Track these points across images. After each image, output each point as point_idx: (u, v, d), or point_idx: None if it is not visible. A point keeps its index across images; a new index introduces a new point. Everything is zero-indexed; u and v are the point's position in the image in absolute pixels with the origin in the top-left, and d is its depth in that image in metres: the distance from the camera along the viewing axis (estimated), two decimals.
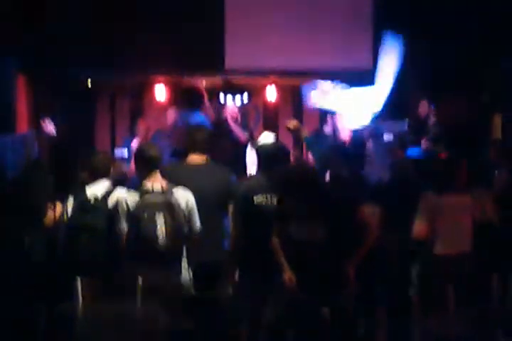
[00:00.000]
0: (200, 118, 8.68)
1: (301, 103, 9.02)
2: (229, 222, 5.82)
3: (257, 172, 6.04)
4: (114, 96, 10.59)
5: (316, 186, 5.52)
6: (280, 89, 10.21)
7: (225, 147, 8.05)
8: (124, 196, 5.32)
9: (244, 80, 10.00)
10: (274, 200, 5.60)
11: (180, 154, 6.10)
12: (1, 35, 8.38)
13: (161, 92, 10.10)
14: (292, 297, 5.36)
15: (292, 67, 9.46)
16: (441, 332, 6.01)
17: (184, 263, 5.31)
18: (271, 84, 10.11)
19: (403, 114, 8.64)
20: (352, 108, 7.93)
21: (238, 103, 9.81)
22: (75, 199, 5.57)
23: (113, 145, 10.02)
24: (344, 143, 7.81)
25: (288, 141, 9.18)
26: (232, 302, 5.83)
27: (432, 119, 8.37)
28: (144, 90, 10.37)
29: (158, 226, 5.13)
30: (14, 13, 8.68)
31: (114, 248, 5.35)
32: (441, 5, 8.93)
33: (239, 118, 8.73)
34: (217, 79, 9.92)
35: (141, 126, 8.87)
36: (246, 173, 7.76)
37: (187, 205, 5.29)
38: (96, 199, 5.48)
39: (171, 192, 5.23)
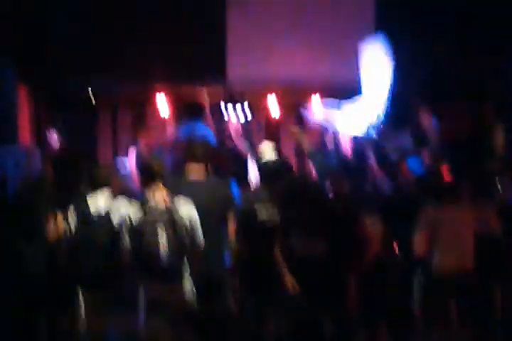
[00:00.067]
0: (204, 130, 8.65)
1: (303, 115, 9.01)
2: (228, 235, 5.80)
3: (259, 186, 6.03)
4: (115, 108, 10.58)
5: (317, 199, 5.53)
6: (282, 100, 10.20)
7: (227, 160, 8.03)
8: (127, 210, 5.32)
9: (246, 92, 9.99)
10: (276, 214, 5.60)
11: (181, 167, 6.09)
12: (1, 46, 8.39)
13: (162, 104, 10.10)
14: (294, 309, 5.37)
15: (294, 77, 9.46)
16: None
17: (187, 277, 5.29)
18: (272, 96, 10.12)
19: (404, 125, 8.62)
20: (349, 121, 7.91)
21: (240, 113, 9.80)
22: (77, 213, 5.56)
23: (115, 157, 10.00)
24: (346, 156, 7.79)
25: (290, 153, 9.21)
26: (234, 315, 5.82)
27: (433, 130, 8.36)
28: (146, 101, 10.36)
29: (160, 241, 5.12)
30: (15, 24, 8.69)
31: (117, 261, 5.35)
32: (443, 17, 8.93)
33: (240, 130, 8.72)
34: (219, 90, 9.91)
35: (142, 139, 8.85)
36: (249, 186, 7.74)
37: (189, 219, 5.29)
38: (98, 212, 5.47)
39: (174, 207, 5.22)
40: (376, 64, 7.94)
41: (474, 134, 8.78)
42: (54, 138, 7.86)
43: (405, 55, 8.39)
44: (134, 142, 8.98)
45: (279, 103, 10.17)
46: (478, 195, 6.42)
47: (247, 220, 5.66)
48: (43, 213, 5.83)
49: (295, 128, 7.37)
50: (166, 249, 5.14)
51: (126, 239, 5.28)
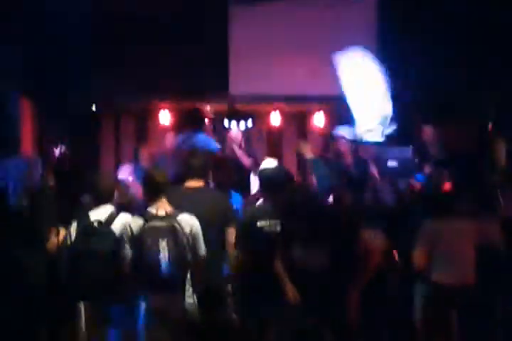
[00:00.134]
0: (206, 140, 8.65)
1: (305, 128, 9.04)
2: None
3: (260, 197, 6.04)
4: (118, 120, 10.62)
5: (318, 211, 5.53)
6: (284, 114, 10.25)
7: (229, 170, 8.04)
8: (128, 221, 5.33)
9: (248, 106, 10.04)
10: (278, 225, 5.60)
11: (182, 178, 6.09)
12: (4, 60, 8.43)
13: (165, 117, 10.16)
14: (295, 320, 5.36)
15: (296, 93, 9.50)
16: None
17: (189, 288, 5.29)
18: (275, 110, 10.16)
19: (407, 140, 8.63)
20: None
21: (242, 128, 9.84)
22: (78, 224, 5.55)
23: (117, 168, 10.01)
24: (347, 167, 7.81)
25: (292, 166, 9.22)
26: (235, 325, 5.81)
27: (436, 145, 8.37)
28: (148, 114, 10.41)
29: (162, 252, 5.12)
30: (17, 36, 8.73)
31: (118, 272, 5.34)
32: (445, 33, 8.98)
33: (243, 144, 8.74)
34: (222, 105, 9.96)
35: (144, 151, 8.88)
36: (250, 197, 7.74)
37: (191, 231, 5.28)
38: (100, 223, 5.47)
39: (175, 218, 5.23)
40: (360, 74, 7.90)
41: (475, 148, 8.78)
42: (57, 149, 7.87)
43: (406, 70, 8.43)
44: (137, 153, 9.03)
45: (281, 117, 10.23)
46: (480, 208, 6.42)
47: (249, 231, 5.65)
48: (45, 224, 5.83)
49: (302, 144, 7.37)
50: (168, 260, 5.13)
51: (128, 250, 5.27)
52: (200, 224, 5.37)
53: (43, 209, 6.05)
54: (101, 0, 8.96)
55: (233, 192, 6.81)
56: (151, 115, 10.33)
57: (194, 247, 5.30)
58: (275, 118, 10.24)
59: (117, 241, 5.34)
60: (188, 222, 5.28)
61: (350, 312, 5.45)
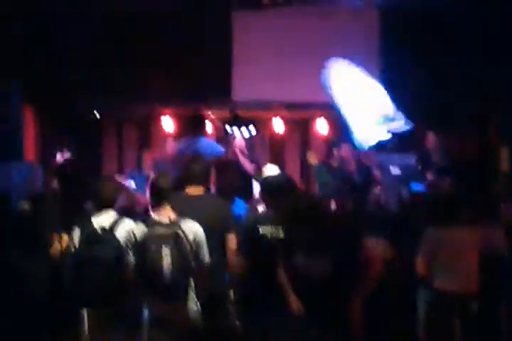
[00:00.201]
0: (212, 144, 8.63)
1: (307, 135, 9.04)
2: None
3: (262, 203, 6.02)
4: (121, 127, 10.63)
5: (321, 219, 5.51)
6: (287, 121, 10.26)
7: (232, 176, 8.03)
8: (132, 227, 5.32)
9: (251, 112, 10.05)
10: (280, 232, 5.58)
11: (183, 184, 6.07)
12: (8, 68, 8.45)
13: (167, 124, 10.17)
14: (299, 331, 5.33)
15: (299, 99, 9.51)
16: None
17: (192, 295, 5.27)
18: (277, 116, 10.17)
19: (410, 147, 8.64)
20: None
21: (245, 134, 9.84)
22: (81, 230, 5.54)
23: (120, 174, 10.01)
24: (350, 174, 7.80)
25: (295, 173, 9.21)
26: (238, 333, 5.79)
27: (439, 152, 8.37)
28: (151, 121, 10.41)
29: (164, 259, 5.11)
30: (22, 46, 8.75)
31: (121, 279, 5.33)
32: (447, 42, 9.00)
33: (246, 150, 8.73)
34: (224, 112, 9.97)
35: (147, 158, 8.88)
36: (253, 203, 7.74)
37: (195, 238, 5.26)
38: (103, 230, 5.45)
39: (179, 225, 5.22)
40: (351, 80, 7.90)
41: (479, 155, 8.79)
42: (60, 156, 7.88)
43: (408, 79, 8.44)
44: (140, 159, 9.02)
45: (284, 124, 10.24)
46: (483, 216, 6.41)
47: (251, 238, 5.64)
48: (47, 229, 5.83)
49: (310, 153, 7.38)
50: (171, 268, 5.12)
51: (131, 257, 5.26)
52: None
53: (46, 214, 6.05)
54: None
55: (237, 199, 6.80)
56: (154, 121, 10.34)
57: (198, 254, 5.27)
58: (278, 125, 10.25)
59: (121, 248, 5.33)
60: (192, 229, 5.26)
61: (353, 323, 5.42)
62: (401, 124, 7.76)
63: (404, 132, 8.03)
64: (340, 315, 5.34)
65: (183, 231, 5.19)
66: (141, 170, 8.70)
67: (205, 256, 5.32)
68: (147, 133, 10.57)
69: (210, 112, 9.89)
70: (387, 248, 6.02)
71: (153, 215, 5.31)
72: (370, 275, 5.51)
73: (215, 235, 5.59)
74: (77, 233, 5.53)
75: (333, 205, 6.39)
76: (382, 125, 7.70)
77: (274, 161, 8.89)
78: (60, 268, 5.68)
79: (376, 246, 5.85)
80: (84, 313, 5.46)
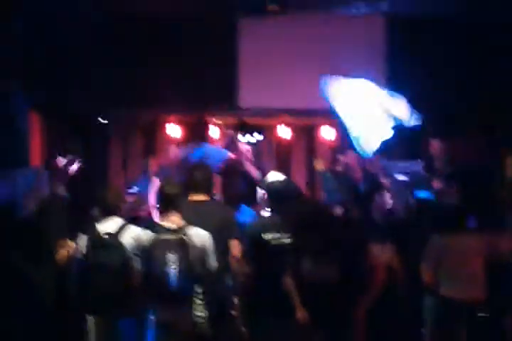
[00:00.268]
0: (217, 150, 8.61)
1: (313, 141, 9.04)
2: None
3: (268, 210, 6.02)
4: (127, 133, 10.64)
5: (327, 225, 5.51)
6: (293, 127, 10.27)
7: (238, 185, 8.02)
8: (138, 233, 5.33)
9: (257, 119, 10.06)
10: (286, 238, 5.58)
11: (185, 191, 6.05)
12: (13, 73, 8.46)
13: (173, 130, 10.18)
14: (304, 336, 5.33)
15: (305, 106, 9.51)
16: None
17: (199, 301, 5.26)
18: (283, 123, 10.19)
19: (415, 153, 8.63)
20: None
21: (251, 141, 9.84)
22: (88, 236, 5.56)
23: (126, 183, 10.02)
24: (356, 181, 7.79)
25: (301, 179, 9.20)
26: (245, 339, 5.79)
27: (443, 159, 8.36)
28: (157, 127, 10.43)
29: (171, 265, 5.11)
30: (28, 50, 8.76)
31: (127, 285, 5.34)
32: (454, 52, 9.01)
33: (252, 157, 8.73)
34: (231, 118, 9.98)
35: (152, 165, 8.88)
36: (258, 210, 7.74)
37: (202, 245, 5.25)
38: (109, 236, 5.46)
39: (185, 231, 5.21)
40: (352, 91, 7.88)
41: (484, 162, 8.78)
42: (66, 162, 7.87)
43: (415, 87, 8.43)
44: (146, 166, 9.02)
45: (290, 130, 10.25)
46: (489, 223, 6.41)
47: (256, 244, 5.64)
48: (54, 235, 5.84)
49: (318, 161, 7.38)
50: (177, 274, 5.12)
51: (137, 263, 5.27)
52: None
53: (52, 220, 6.05)
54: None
55: (244, 206, 6.79)
56: (160, 127, 10.35)
57: (204, 261, 5.27)
58: (284, 132, 10.25)
59: (127, 254, 5.34)
60: (199, 235, 5.26)
61: (357, 331, 5.42)
62: (408, 116, 7.71)
63: (410, 135, 8.04)
64: (346, 321, 5.34)
65: (190, 238, 5.20)
66: (147, 176, 8.70)
67: (213, 262, 5.32)
68: (152, 139, 10.57)
69: (216, 119, 9.90)
70: (393, 255, 6.02)
71: (160, 221, 5.32)
72: (375, 283, 5.50)
73: (221, 241, 5.59)
74: (83, 239, 5.54)
75: (338, 212, 6.37)
76: (387, 122, 7.67)
77: (280, 168, 8.89)
78: (67, 274, 5.69)
79: (381, 253, 5.85)
80: (91, 320, 5.47)
